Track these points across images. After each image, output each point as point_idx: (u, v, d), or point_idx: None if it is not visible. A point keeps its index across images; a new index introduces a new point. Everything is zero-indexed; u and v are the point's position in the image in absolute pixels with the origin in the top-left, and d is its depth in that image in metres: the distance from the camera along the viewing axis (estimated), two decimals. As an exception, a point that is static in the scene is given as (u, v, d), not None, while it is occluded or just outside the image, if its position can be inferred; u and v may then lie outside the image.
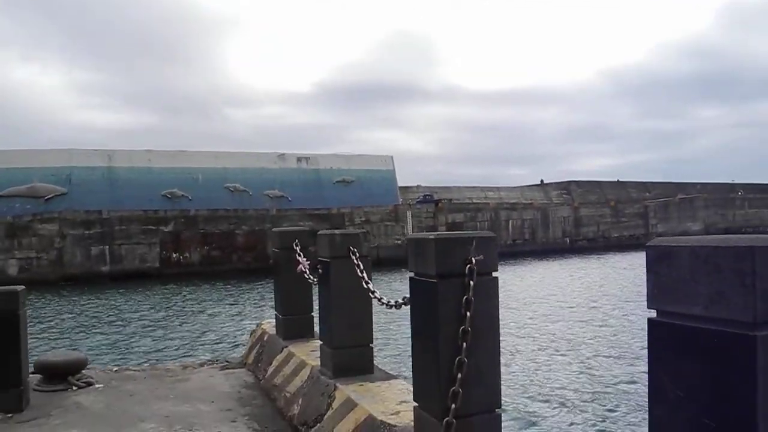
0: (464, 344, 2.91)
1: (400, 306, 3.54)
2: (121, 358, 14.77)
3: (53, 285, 36.31)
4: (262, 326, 7.24)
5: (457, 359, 2.90)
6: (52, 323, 22.01)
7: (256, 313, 22.64)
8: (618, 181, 73.96)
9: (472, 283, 2.92)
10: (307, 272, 5.78)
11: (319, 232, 4.86)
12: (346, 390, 4.28)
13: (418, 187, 63.78)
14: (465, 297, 2.92)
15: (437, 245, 2.94)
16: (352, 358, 4.60)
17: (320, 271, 4.74)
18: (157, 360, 13.76)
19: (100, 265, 39.60)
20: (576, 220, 59.83)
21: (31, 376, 6.25)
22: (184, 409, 5.42)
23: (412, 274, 3.22)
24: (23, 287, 5.85)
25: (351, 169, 53.45)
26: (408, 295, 3.34)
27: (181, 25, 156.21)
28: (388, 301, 3.72)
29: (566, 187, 71.61)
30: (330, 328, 4.63)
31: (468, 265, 2.93)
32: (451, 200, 59.47)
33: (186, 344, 17.27)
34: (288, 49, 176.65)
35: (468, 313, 2.91)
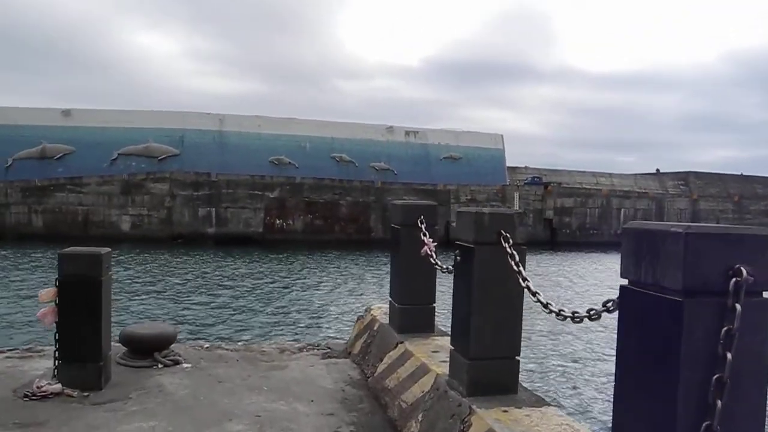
0: (718, 402, 1.83)
1: (594, 318, 2.48)
2: (214, 330, 14.26)
3: (162, 242, 37.28)
4: (372, 312, 6.30)
5: (704, 426, 1.83)
6: (150, 282, 22.16)
7: (358, 290, 21.92)
8: (742, 174, 68.83)
9: (738, 307, 1.82)
10: (434, 256, 4.78)
11: (459, 209, 3.84)
12: (486, 417, 3.26)
13: (526, 168, 61.55)
14: (725, 328, 1.83)
15: (689, 243, 1.85)
16: (493, 373, 3.57)
17: (458, 258, 3.71)
18: (250, 338, 13.03)
19: (206, 226, 40.34)
20: (694, 214, 56.17)
21: (116, 345, 5.62)
22: (278, 408, 4.57)
23: (625, 282, 2.14)
24: (108, 250, 5.16)
25: (459, 146, 52.06)
26: (610, 304, 2.29)
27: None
28: (574, 313, 2.64)
29: (684, 177, 67.25)
30: (467, 332, 3.60)
31: (734, 279, 1.83)
32: (561, 184, 57.03)
33: (284, 320, 16.54)
34: (400, 24, 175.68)
35: (728, 355, 1.83)
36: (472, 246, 3.54)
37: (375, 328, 5.86)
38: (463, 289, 3.67)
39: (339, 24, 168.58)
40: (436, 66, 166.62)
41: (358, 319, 6.69)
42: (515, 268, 3.27)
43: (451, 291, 3.84)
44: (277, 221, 41.32)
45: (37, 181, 40.03)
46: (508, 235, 3.42)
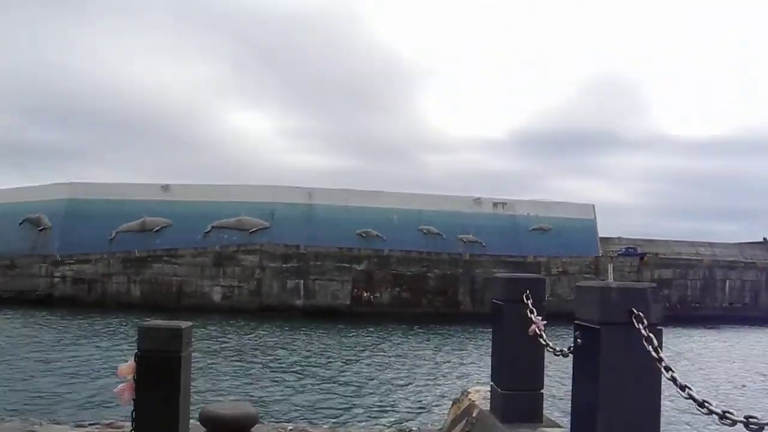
0: None
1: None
2: (297, 409, 13.64)
3: (251, 314, 37.62)
4: (470, 396, 5.77)
5: None
6: (235, 355, 22.05)
7: (450, 368, 20.90)
8: None
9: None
10: (543, 336, 4.30)
11: (578, 283, 3.38)
12: None
13: (619, 239, 59.45)
14: None
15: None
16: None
17: (579, 340, 3.23)
18: (336, 419, 12.31)
19: (295, 298, 40.54)
20: (807, 282, 52.39)
21: (195, 424, 5.33)
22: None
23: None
24: (189, 324, 4.92)
25: (549, 217, 50.87)
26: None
27: (383, 76, 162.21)
28: (749, 419, 2.09)
29: (796, 247, 63.34)
30: (593, 430, 3.08)
31: None
32: (657, 254, 54.63)
33: (370, 399, 15.67)
34: (485, 97, 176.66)
35: None
36: (596, 327, 3.06)
37: (474, 414, 5.33)
38: (586, 377, 3.16)
39: (424, 99, 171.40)
40: (522, 136, 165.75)
41: (453, 403, 6.17)
42: (654, 354, 2.77)
43: (560, 375, 3.36)
44: (365, 294, 41.08)
45: (137, 253, 41.53)
46: (641, 314, 2.93)
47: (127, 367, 4.69)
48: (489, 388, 5.44)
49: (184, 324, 4.86)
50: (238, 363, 20.10)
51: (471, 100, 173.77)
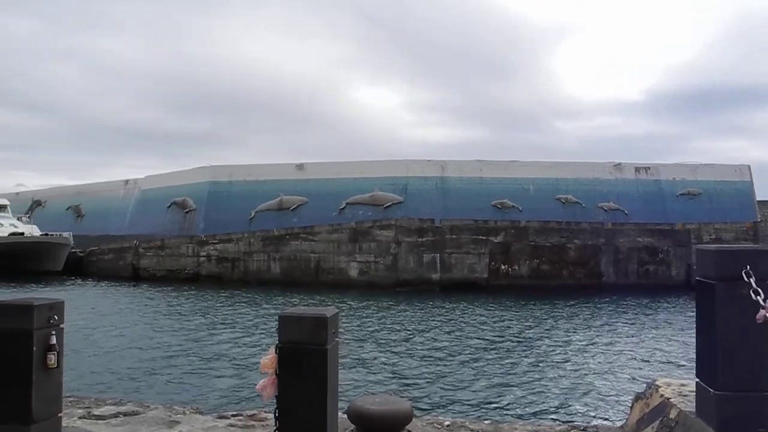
0: None
1: None
2: (450, 398, 12.38)
3: (387, 289, 37.70)
4: (660, 392, 4.88)
5: None
6: (374, 334, 21.50)
7: (606, 348, 19.05)
8: None
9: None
10: (778, 323, 3.39)
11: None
12: None
13: (780, 202, 54.59)
14: None
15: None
16: None
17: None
18: (496, 410, 11.15)
19: (431, 272, 40.19)
20: None
21: (343, 419, 4.83)
22: None
23: None
24: (335, 311, 4.39)
25: (697, 181, 47.35)
26: None
27: (509, 43, 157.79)
28: None
29: None
30: None
31: None
32: (825, 218, 49.60)
33: (529, 386, 13.84)
34: (617, 57, 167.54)
35: None
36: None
37: (672, 416, 4.43)
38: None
39: (554, 64, 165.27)
40: (659, 96, 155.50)
41: (637, 398, 5.27)
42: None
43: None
44: (502, 266, 40.05)
45: (275, 231, 42.69)
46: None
47: (268, 360, 4.23)
48: (681, 382, 4.57)
49: (329, 311, 4.34)
50: (382, 344, 19.20)
51: (603, 61, 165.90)
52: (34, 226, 52.07)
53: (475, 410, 11.25)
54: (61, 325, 5.12)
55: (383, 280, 39.70)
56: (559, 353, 18.20)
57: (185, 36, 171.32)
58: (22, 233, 47.97)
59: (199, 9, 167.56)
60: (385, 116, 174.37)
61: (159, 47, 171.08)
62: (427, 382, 13.93)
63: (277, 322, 4.26)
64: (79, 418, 5.83)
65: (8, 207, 54.97)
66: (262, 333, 20.07)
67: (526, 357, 17.43)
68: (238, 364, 15.20)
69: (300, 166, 47.59)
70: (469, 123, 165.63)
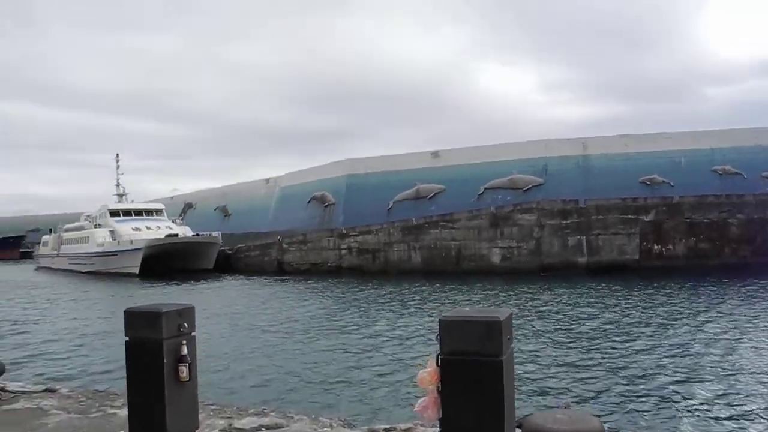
0: None
1: None
2: (632, 405, 10.30)
3: (531, 274, 36.28)
4: None
5: None
6: (543, 327, 19.38)
7: None
8: None
9: None
10: None
11: None
12: None
13: None
14: None
15: None
16: None
17: None
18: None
19: (577, 255, 38.38)
20: None
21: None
22: None
23: None
24: (509, 313, 3.56)
25: None
26: None
27: (646, 9, 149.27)
28: None
29: None
30: None
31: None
32: None
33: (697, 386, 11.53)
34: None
35: None
36: None
37: None
38: None
39: (697, 26, 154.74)
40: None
41: None
42: None
43: None
44: (655, 246, 37.45)
45: (414, 220, 42.35)
46: None
47: (428, 374, 3.49)
48: None
49: (501, 313, 3.53)
50: (541, 339, 16.83)
51: (754, 18, 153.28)
52: (187, 227, 55.09)
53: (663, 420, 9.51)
54: (192, 333, 4.70)
55: (526, 265, 38.33)
56: (712, 338, 15.92)
57: (313, 37, 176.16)
58: (177, 234, 50.76)
59: (324, 9, 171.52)
60: (517, 98, 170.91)
61: (290, 50, 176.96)
62: (606, 387, 11.64)
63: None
64: (220, 431, 5.43)
65: (164, 211, 58.62)
66: (414, 331, 17.74)
67: (709, 359, 13.98)
68: (390, 370, 13.55)
69: (435, 154, 47.04)
70: (604, 98, 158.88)
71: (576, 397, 10.97)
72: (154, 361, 4.46)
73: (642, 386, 11.64)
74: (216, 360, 14.49)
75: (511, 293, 28.13)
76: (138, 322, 4.63)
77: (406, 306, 24.56)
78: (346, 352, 15.79)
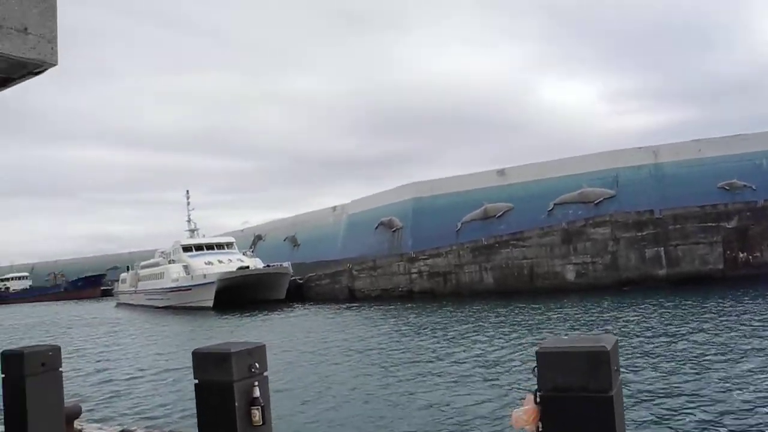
0: None
1: None
2: None
3: (608, 290, 35.06)
4: None
5: None
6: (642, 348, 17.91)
7: None
8: None
9: None
10: None
11: None
12: None
13: None
14: None
15: None
16: None
17: None
18: None
19: (656, 268, 36.94)
20: None
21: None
22: None
23: None
24: (614, 339, 3.15)
25: None
26: None
27: (713, 6, 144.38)
28: None
29: None
30: None
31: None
32: None
33: None
34: None
35: None
36: None
37: None
38: None
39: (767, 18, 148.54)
40: None
41: None
42: None
43: None
44: (740, 254, 35.71)
45: (484, 240, 41.72)
46: None
47: (524, 413, 3.10)
48: None
49: (606, 340, 3.14)
50: (648, 368, 14.83)
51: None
52: (257, 259, 55.74)
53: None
54: (265, 373, 4.44)
55: (603, 281, 37.13)
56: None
57: (371, 63, 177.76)
58: (248, 266, 51.41)
59: (380, 35, 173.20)
60: (581, 110, 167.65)
61: (349, 78, 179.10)
62: (733, 419, 10.29)
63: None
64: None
65: (234, 244, 59.57)
66: (499, 359, 16.43)
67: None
68: (478, 409, 12.28)
69: (501, 172, 46.37)
70: (672, 104, 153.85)
71: (675, 423, 10.12)
72: (224, 404, 4.25)
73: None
74: (291, 400, 13.83)
75: (593, 311, 27.07)
76: (207, 363, 4.43)
77: (484, 330, 23.44)
78: (427, 390, 14.63)
